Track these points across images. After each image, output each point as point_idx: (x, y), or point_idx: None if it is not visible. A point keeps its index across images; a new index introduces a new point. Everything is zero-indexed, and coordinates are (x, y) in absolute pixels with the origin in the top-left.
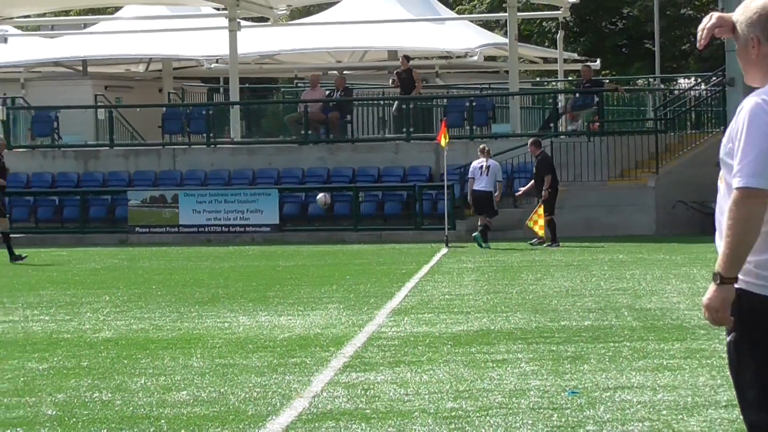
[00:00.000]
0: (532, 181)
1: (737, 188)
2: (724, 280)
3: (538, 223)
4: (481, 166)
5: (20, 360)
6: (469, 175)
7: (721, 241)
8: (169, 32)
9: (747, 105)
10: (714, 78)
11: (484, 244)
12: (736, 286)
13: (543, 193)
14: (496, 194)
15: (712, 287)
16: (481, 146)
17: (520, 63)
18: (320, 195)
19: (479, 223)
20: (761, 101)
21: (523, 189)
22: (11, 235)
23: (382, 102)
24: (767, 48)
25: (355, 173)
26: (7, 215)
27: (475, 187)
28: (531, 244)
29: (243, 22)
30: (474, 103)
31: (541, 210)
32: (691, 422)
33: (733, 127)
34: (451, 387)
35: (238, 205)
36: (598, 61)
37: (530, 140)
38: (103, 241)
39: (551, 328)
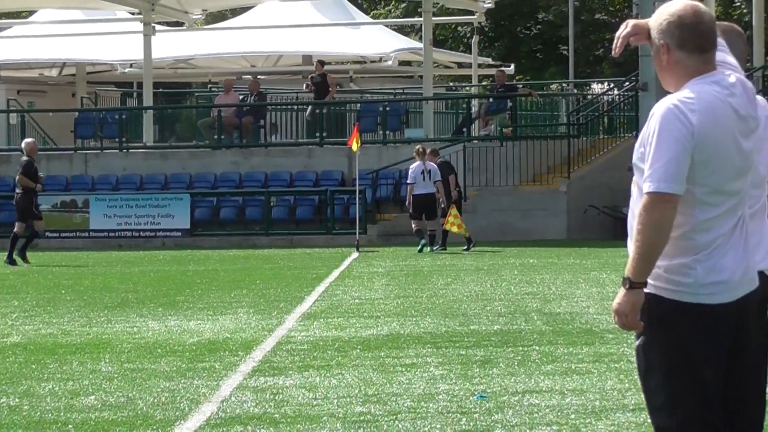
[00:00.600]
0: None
1: (647, 193)
2: (634, 284)
3: (455, 224)
4: (423, 171)
5: None
6: (410, 180)
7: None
8: (83, 36)
9: (658, 110)
10: (627, 83)
11: (435, 248)
12: (645, 290)
13: (453, 192)
14: (438, 195)
15: (621, 292)
16: (418, 147)
17: (435, 68)
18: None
19: (416, 228)
20: (672, 106)
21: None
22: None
23: (296, 107)
24: (678, 54)
25: (268, 178)
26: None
27: (419, 192)
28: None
29: (158, 27)
30: (388, 108)
31: (454, 210)
32: (599, 426)
33: (645, 131)
34: (360, 391)
35: (150, 209)
36: (513, 66)
37: (429, 149)
38: None
39: (461, 333)
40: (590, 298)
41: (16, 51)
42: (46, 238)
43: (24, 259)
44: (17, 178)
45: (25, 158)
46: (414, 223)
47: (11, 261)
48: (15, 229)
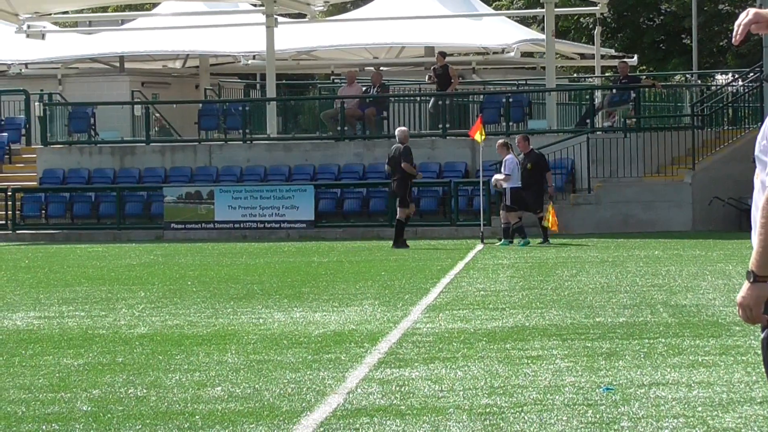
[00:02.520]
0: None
1: None
2: (758, 278)
3: (548, 220)
4: (518, 163)
5: (55, 356)
6: (508, 171)
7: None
8: (206, 28)
9: None
10: (751, 74)
11: (525, 239)
12: None
13: (549, 189)
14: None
15: (745, 285)
16: (505, 141)
17: (557, 59)
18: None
19: (515, 222)
20: None
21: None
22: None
23: (418, 98)
24: None
25: None
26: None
27: (516, 185)
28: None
29: (280, 18)
30: (510, 99)
31: (551, 207)
32: (726, 419)
33: (767, 123)
34: (485, 383)
35: (274, 201)
36: (636, 57)
37: (519, 135)
38: (138, 238)
39: (586, 325)
40: (716, 290)
41: (140, 43)
42: (172, 229)
43: (398, 243)
44: (402, 165)
45: (399, 145)
46: (514, 216)
47: (401, 245)
48: (398, 216)
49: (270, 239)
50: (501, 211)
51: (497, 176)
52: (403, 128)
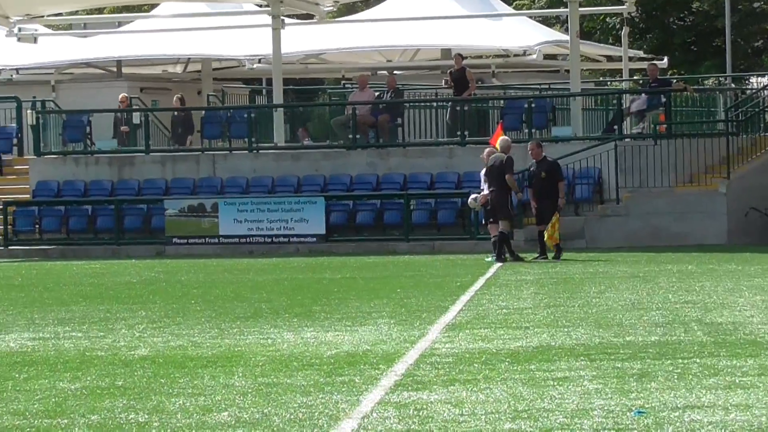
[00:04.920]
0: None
1: None
2: None
3: (549, 233)
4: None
5: (51, 379)
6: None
7: None
8: (208, 31)
9: None
10: None
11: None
12: None
13: (560, 201)
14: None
15: None
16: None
17: (582, 61)
18: (471, 198)
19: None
20: None
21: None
22: None
23: (434, 104)
24: None
25: (407, 179)
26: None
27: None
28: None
29: (287, 20)
30: (533, 105)
31: (555, 219)
32: None
33: None
34: (509, 407)
35: (282, 214)
36: (666, 60)
37: (532, 142)
38: (138, 253)
39: (615, 344)
40: (754, 307)
41: (139, 46)
42: (174, 244)
43: (512, 255)
44: (506, 177)
45: (501, 155)
46: (495, 229)
47: (513, 257)
48: (500, 228)
49: (278, 254)
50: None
51: (474, 196)
52: (505, 137)
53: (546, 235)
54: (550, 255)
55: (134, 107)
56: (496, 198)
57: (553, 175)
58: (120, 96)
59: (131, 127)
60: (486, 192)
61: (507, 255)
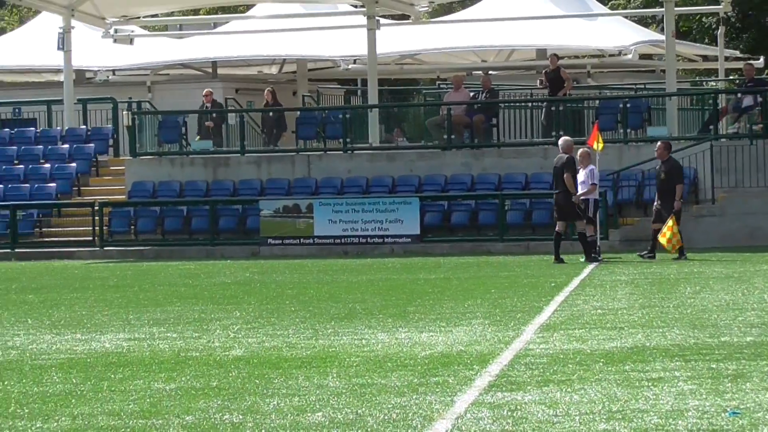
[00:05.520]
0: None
1: None
2: None
3: (666, 236)
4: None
5: (146, 380)
6: (595, 181)
7: None
8: (303, 31)
9: None
10: None
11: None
12: None
13: (676, 204)
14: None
15: None
16: (587, 150)
17: (678, 61)
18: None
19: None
20: None
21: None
22: None
23: (529, 104)
24: None
25: (501, 180)
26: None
27: (596, 196)
28: (641, 255)
29: (382, 20)
30: (628, 105)
31: (671, 222)
32: None
33: None
34: (603, 407)
35: (377, 214)
36: (762, 59)
37: (661, 142)
38: (233, 254)
39: (711, 345)
40: None
41: (234, 47)
42: (268, 245)
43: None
44: (564, 176)
45: (562, 155)
46: (592, 229)
47: (592, 259)
48: (578, 229)
49: (373, 255)
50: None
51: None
52: (566, 137)
53: (661, 237)
54: (672, 257)
55: (229, 108)
56: (563, 199)
57: (671, 176)
58: (204, 90)
59: (224, 126)
60: (580, 192)
61: (594, 254)
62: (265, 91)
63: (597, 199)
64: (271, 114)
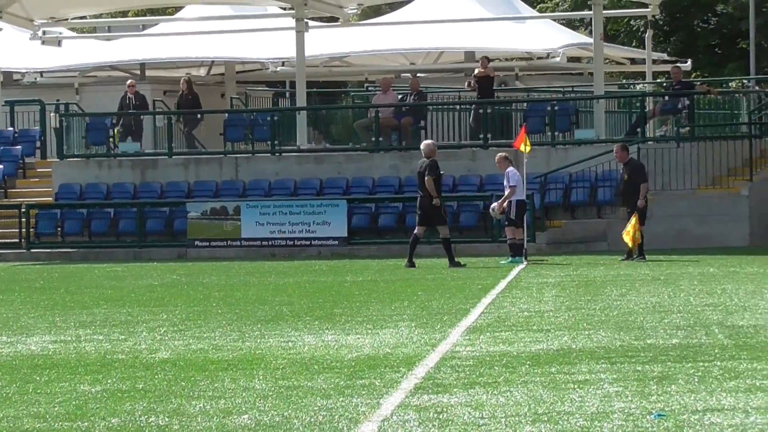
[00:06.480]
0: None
1: None
2: None
3: (630, 234)
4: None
5: (72, 382)
6: (513, 183)
7: None
8: (232, 34)
9: None
10: None
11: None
12: None
13: (639, 201)
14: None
15: None
16: (506, 155)
17: (606, 64)
18: (491, 207)
19: (519, 238)
20: None
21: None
22: None
23: (458, 107)
24: None
25: None
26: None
27: (520, 197)
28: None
29: (311, 23)
30: (556, 108)
31: (635, 220)
32: None
33: None
34: (529, 410)
35: (304, 216)
36: (689, 62)
37: (617, 145)
38: (160, 256)
39: (636, 347)
40: None
41: (162, 49)
42: (196, 247)
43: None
44: (425, 180)
45: (424, 159)
46: (520, 232)
47: (455, 264)
48: (441, 235)
49: (300, 257)
50: (505, 227)
51: (494, 204)
52: (428, 141)
53: (625, 234)
54: (622, 258)
55: (158, 110)
56: (426, 203)
57: (635, 176)
58: (128, 81)
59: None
60: (503, 199)
61: (519, 256)
62: (181, 80)
63: (524, 201)
64: (183, 97)
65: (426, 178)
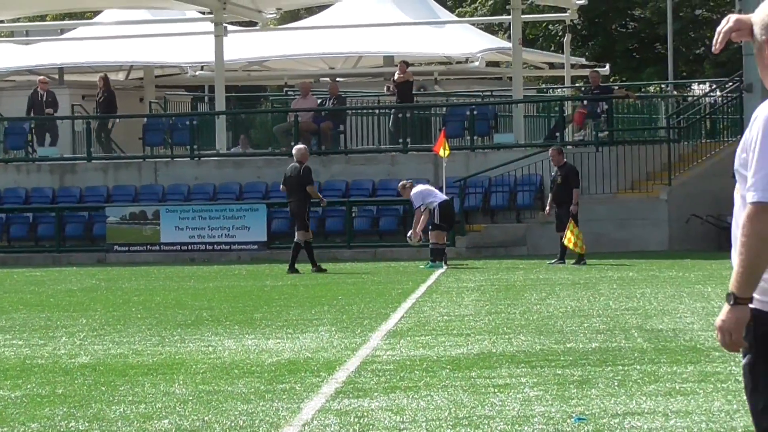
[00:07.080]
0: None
1: (751, 203)
2: (738, 300)
3: (572, 240)
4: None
5: None
6: (417, 204)
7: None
8: (151, 38)
9: (762, 113)
10: (730, 84)
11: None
12: (751, 306)
13: (572, 207)
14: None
15: (725, 308)
16: (405, 183)
17: (525, 69)
18: (408, 236)
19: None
20: None
21: (548, 207)
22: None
23: (377, 111)
24: None
25: (349, 186)
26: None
27: (443, 199)
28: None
29: (230, 27)
30: (475, 112)
31: (572, 226)
32: None
33: (747, 136)
34: (450, 414)
35: (224, 221)
36: (608, 67)
37: (553, 148)
38: (79, 261)
39: (556, 351)
40: (694, 314)
41: (81, 53)
42: (115, 252)
43: (313, 266)
44: (308, 188)
45: (296, 164)
46: (442, 236)
47: (293, 270)
48: (296, 238)
49: (220, 262)
50: (429, 231)
51: (410, 233)
52: (300, 146)
53: (567, 242)
54: (570, 261)
55: (76, 114)
56: (297, 208)
57: (568, 181)
58: (40, 78)
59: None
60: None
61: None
62: (98, 78)
63: (446, 201)
64: (99, 96)
65: (308, 188)
